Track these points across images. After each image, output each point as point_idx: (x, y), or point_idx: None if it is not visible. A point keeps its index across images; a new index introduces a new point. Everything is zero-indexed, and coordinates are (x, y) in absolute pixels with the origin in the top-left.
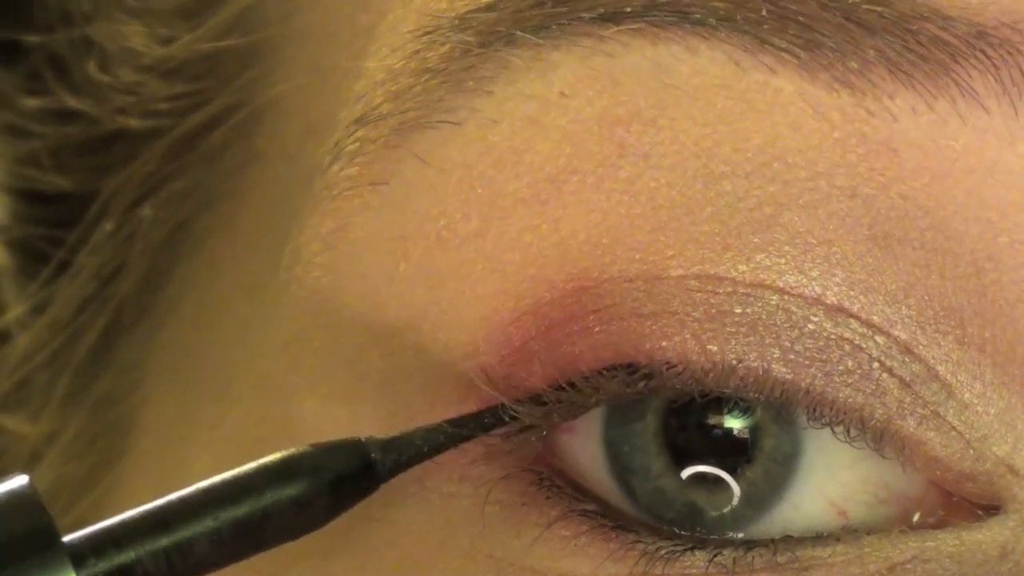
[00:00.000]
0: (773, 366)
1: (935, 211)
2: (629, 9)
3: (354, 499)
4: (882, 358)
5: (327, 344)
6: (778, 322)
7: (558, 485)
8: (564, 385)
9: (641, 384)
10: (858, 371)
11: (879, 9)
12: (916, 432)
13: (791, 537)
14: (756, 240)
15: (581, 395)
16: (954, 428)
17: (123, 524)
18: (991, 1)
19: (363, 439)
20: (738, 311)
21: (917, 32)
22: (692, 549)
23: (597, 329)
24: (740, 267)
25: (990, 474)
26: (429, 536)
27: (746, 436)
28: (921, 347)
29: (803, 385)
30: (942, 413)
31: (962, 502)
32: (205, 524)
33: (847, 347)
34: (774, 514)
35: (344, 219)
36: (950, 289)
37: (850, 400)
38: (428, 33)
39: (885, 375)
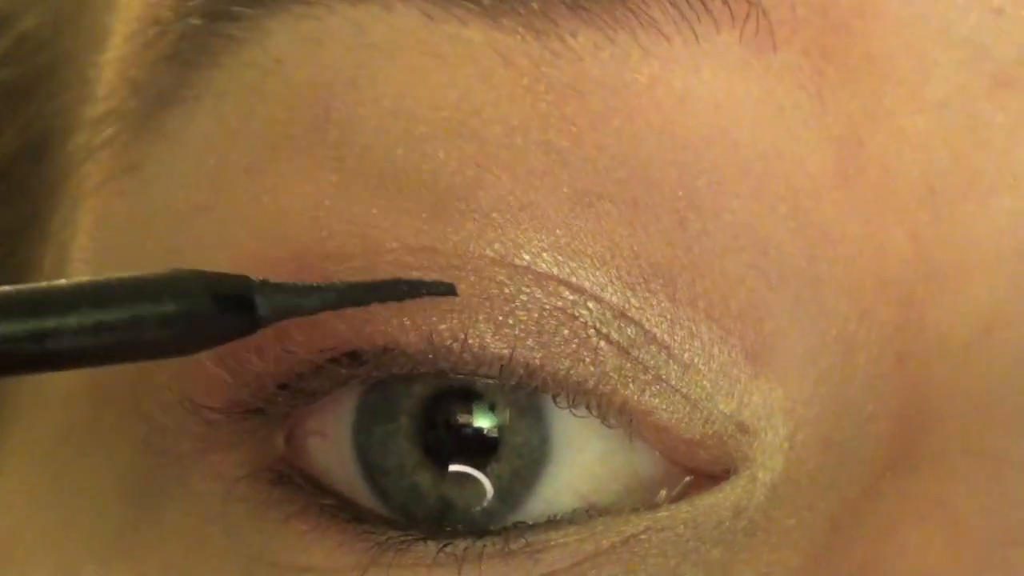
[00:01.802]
0: (488, 341)
1: (630, 159)
2: None
3: (230, 335)
4: (597, 324)
5: None
6: (490, 295)
7: (298, 483)
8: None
9: (360, 369)
10: (575, 340)
11: None
12: (641, 400)
13: (523, 523)
14: (462, 207)
15: (308, 382)
16: (678, 391)
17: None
18: None
19: (253, 278)
20: None
21: None
22: (424, 540)
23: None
24: (451, 237)
25: (720, 435)
26: (188, 536)
27: (495, 434)
28: (634, 310)
29: (521, 359)
30: (664, 376)
31: (702, 479)
32: (70, 320)
33: (561, 316)
34: (527, 510)
35: (103, 210)
36: (655, 245)
37: (572, 371)
38: (157, 22)
39: (603, 342)
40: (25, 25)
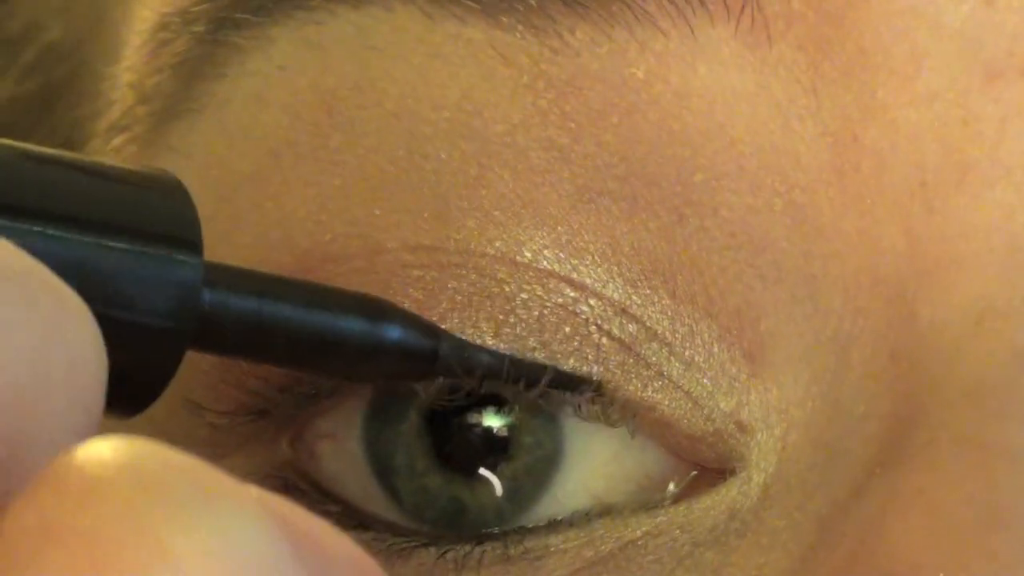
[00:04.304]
0: (489, 341)
1: (629, 156)
2: None
3: (407, 374)
4: (599, 321)
5: None
6: (491, 294)
7: (302, 489)
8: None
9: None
10: (577, 337)
11: None
12: (643, 397)
13: (523, 527)
14: (464, 205)
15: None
16: (680, 388)
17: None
18: None
19: (440, 327)
20: (452, 286)
21: None
22: (426, 546)
23: None
24: (453, 236)
25: (720, 433)
26: None
27: (506, 434)
28: (636, 306)
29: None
30: (666, 374)
31: (709, 474)
32: (287, 315)
33: (562, 313)
34: (539, 512)
35: None
36: (655, 241)
37: (575, 369)
38: (163, 30)
39: (604, 339)
40: (51, 36)
